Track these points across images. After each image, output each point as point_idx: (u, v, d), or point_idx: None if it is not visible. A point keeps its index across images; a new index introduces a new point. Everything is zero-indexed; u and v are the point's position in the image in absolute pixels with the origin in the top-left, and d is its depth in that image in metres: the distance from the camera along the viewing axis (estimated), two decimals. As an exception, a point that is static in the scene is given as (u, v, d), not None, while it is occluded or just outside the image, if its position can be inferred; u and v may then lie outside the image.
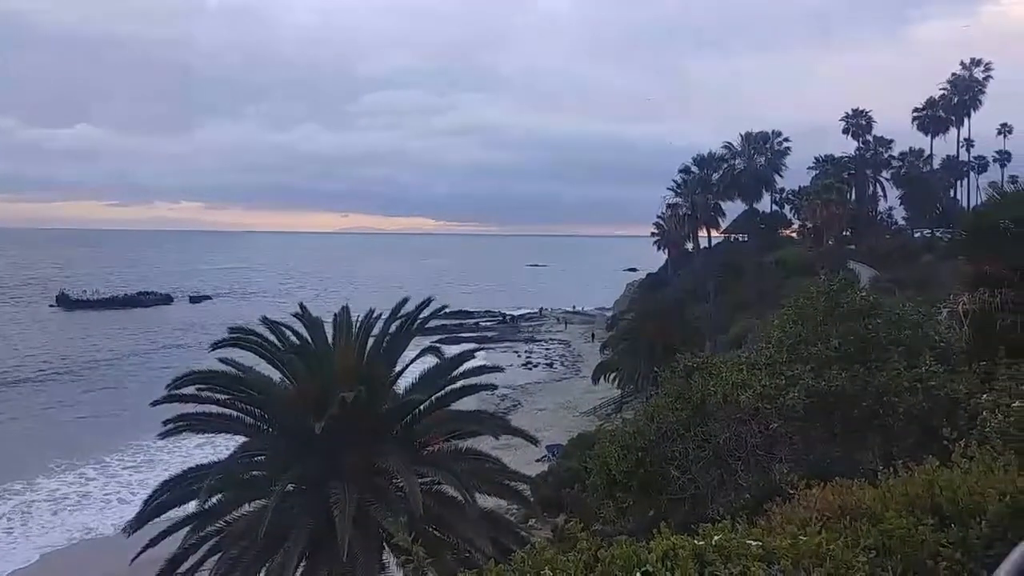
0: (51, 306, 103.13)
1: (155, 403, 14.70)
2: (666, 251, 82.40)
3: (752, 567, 3.38)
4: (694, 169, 73.13)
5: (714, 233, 76.21)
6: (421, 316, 16.93)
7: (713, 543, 3.60)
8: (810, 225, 67.23)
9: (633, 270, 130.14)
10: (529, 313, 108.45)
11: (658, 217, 79.94)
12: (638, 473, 10.18)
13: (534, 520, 19.73)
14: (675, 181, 74.09)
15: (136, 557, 14.43)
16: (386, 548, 14.22)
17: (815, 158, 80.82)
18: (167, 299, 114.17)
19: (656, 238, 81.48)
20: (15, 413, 47.62)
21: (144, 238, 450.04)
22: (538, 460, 32.39)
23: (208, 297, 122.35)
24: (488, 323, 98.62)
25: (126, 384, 55.98)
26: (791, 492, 5.44)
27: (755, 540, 3.74)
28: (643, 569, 3.39)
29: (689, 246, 78.81)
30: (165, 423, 14.44)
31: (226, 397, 15.00)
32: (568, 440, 34.01)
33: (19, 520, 31.13)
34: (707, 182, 71.72)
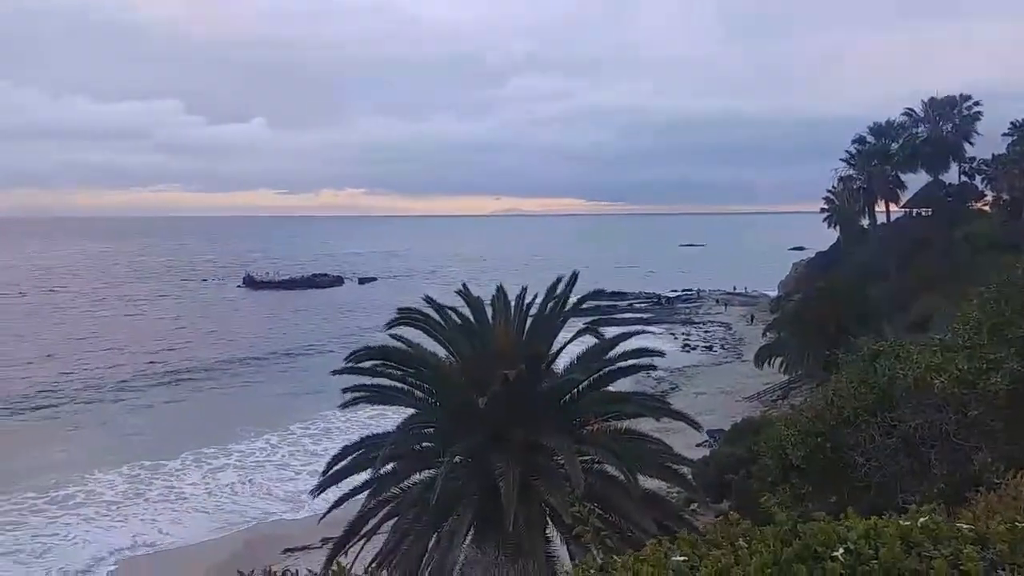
0: (238, 286, 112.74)
1: (335, 372, 15.70)
2: (837, 228, 77.40)
3: (964, 549, 3.15)
4: (870, 139, 68.13)
5: (892, 208, 70.78)
6: (576, 297, 16.97)
7: (919, 524, 3.39)
8: (1006, 197, 60.81)
9: (800, 249, 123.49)
10: (685, 294, 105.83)
11: (828, 192, 75.30)
12: (818, 459, 9.67)
13: (696, 505, 19.29)
14: (848, 152, 69.40)
15: (323, 516, 15.53)
16: (550, 523, 14.45)
17: (1011, 123, 72.79)
18: (339, 281, 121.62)
19: (826, 214, 76.76)
20: (218, 385, 52.37)
21: (313, 224, 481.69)
22: (698, 445, 31.63)
23: (374, 279, 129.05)
24: (643, 304, 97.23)
25: (307, 359, 60.19)
26: (996, 482, 4.98)
27: (966, 524, 3.51)
28: (845, 546, 3.23)
29: (864, 222, 73.62)
30: (344, 391, 15.36)
31: (398, 371, 15.73)
32: (731, 425, 32.97)
33: (211, 481, 34.26)
34: (885, 152, 66.56)
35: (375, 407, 22.83)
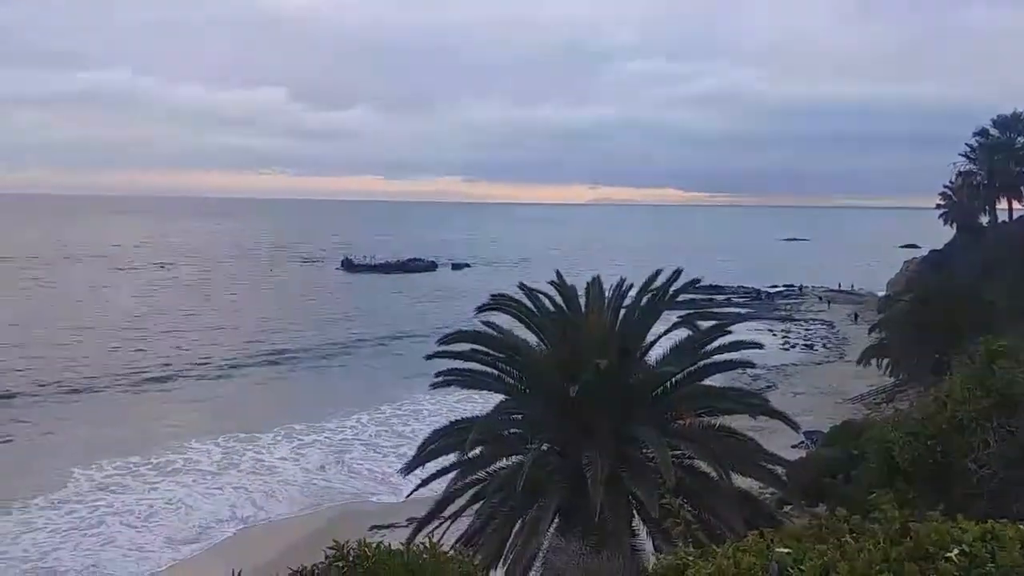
0: (336, 269, 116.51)
1: (428, 357, 15.98)
2: (954, 225, 73.06)
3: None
4: (993, 132, 63.84)
5: (1016, 205, 66.17)
6: (672, 288, 16.64)
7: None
8: None
9: (913, 247, 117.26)
10: (787, 290, 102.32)
11: (945, 187, 71.09)
12: (926, 463, 9.15)
13: (790, 507, 18.66)
14: (968, 146, 65.27)
15: (410, 494, 15.89)
16: (636, 516, 14.29)
17: None
18: (432, 266, 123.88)
19: (942, 211, 72.51)
20: (314, 366, 54.19)
21: (411, 209, 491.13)
22: (794, 446, 30.59)
23: (468, 264, 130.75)
24: (741, 299, 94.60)
25: (399, 342, 61.63)
26: None
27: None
28: (960, 547, 3.05)
29: (984, 219, 69.17)
30: (437, 375, 15.62)
31: (489, 357, 15.87)
32: (830, 427, 31.71)
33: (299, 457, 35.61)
34: (1010, 146, 62.26)
35: (463, 391, 23.13)
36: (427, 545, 5.35)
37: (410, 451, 30.84)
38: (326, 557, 6.00)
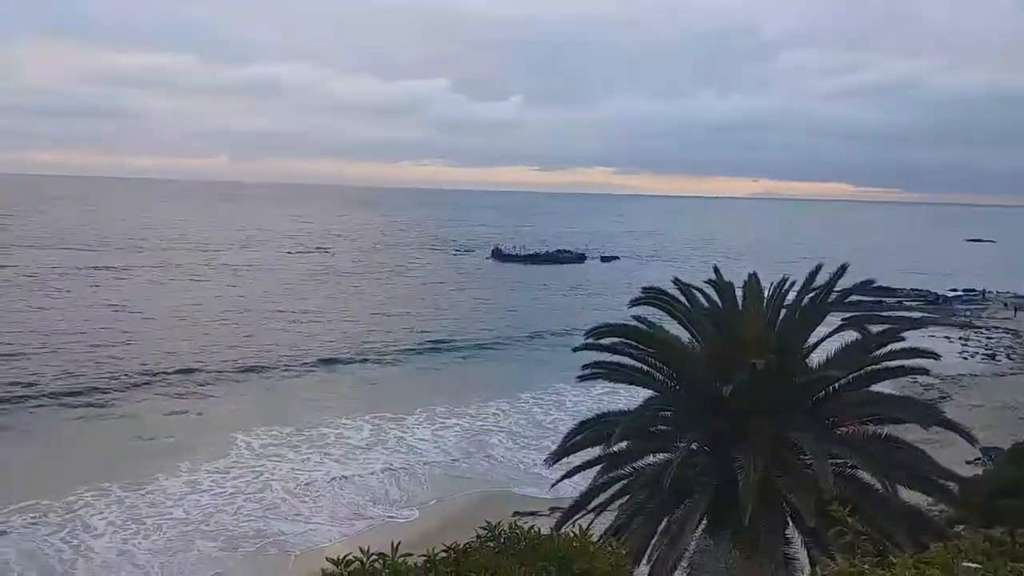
0: (486, 258, 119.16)
1: (575, 349, 16.02)
2: None
3: None
4: None
5: None
6: (838, 288, 15.71)
7: None
8: None
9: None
10: (967, 295, 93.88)
11: None
12: None
13: (963, 527, 17.16)
14: None
15: (555, 484, 16.02)
16: (790, 524, 13.67)
17: None
18: (581, 258, 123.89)
19: None
20: (463, 355, 55.48)
21: (562, 200, 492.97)
22: (969, 462, 28.14)
23: (617, 257, 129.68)
24: (914, 303, 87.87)
25: (544, 333, 62.12)
26: None
27: None
28: None
29: None
30: (584, 367, 15.62)
31: (638, 351, 15.67)
32: (1012, 444, 28.85)
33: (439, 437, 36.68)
34: None
35: (608, 385, 22.96)
36: (577, 533, 5.36)
37: (550, 442, 31.16)
38: (478, 536, 6.16)
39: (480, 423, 38.27)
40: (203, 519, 26.20)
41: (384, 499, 29.03)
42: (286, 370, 46.31)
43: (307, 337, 55.23)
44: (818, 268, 16.08)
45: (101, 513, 25.83)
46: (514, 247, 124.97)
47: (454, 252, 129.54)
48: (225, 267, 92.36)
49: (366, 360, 49.50)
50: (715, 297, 15.87)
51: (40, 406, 36.62)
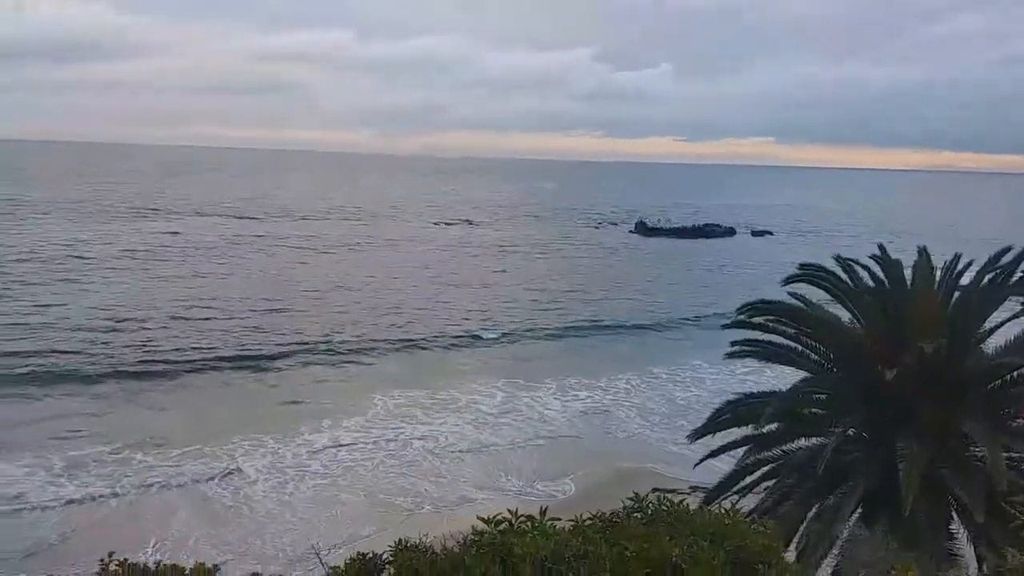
0: (630, 232, 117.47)
1: (725, 326, 15.62)
2: None
3: None
4: None
5: None
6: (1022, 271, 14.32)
7: None
8: None
9: None
10: None
11: None
12: None
13: None
14: None
15: (699, 463, 15.79)
16: (955, 518, 12.79)
17: None
18: (730, 232, 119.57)
19: None
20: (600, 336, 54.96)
21: (711, 173, 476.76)
22: None
23: (770, 232, 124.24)
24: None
25: (683, 307, 60.67)
26: None
27: None
28: None
29: None
30: (733, 344, 15.20)
31: (792, 330, 15.06)
32: None
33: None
34: None
35: (751, 364, 22.12)
36: (727, 510, 5.30)
37: (684, 421, 30.56)
38: (624, 507, 6.21)
39: (611, 397, 38.11)
40: (341, 473, 27.78)
41: (518, 469, 29.50)
42: (430, 341, 47.71)
43: (449, 309, 56.53)
44: (1006, 249, 14.70)
45: (255, 462, 28.01)
46: (659, 220, 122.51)
47: (596, 225, 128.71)
48: (375, 238, 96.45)
49: (504, 332, 50.21)
50: (880, 275, 14.91)
51: (208, 369, 39.50)
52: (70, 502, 24.16)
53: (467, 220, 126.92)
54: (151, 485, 25.69)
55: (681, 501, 5.78)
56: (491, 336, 49.03)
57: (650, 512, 6.04)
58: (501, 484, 27.86)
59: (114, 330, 44.18)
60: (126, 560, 5.70)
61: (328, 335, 46.18)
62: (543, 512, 7.00)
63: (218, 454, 28.25)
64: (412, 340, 47.22)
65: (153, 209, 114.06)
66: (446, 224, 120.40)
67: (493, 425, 33.49)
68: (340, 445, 30.03)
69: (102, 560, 5.85)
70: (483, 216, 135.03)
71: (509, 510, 6.96)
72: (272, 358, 41.47)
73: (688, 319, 56.55)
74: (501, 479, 28.35)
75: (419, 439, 31.25)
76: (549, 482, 28.24)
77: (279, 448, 29.18)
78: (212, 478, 26.44)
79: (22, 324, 44.36)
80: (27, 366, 36.92)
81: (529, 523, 6.87)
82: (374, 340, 46.26)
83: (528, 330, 51.39)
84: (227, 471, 26.94)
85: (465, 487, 27.38)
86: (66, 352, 39.37)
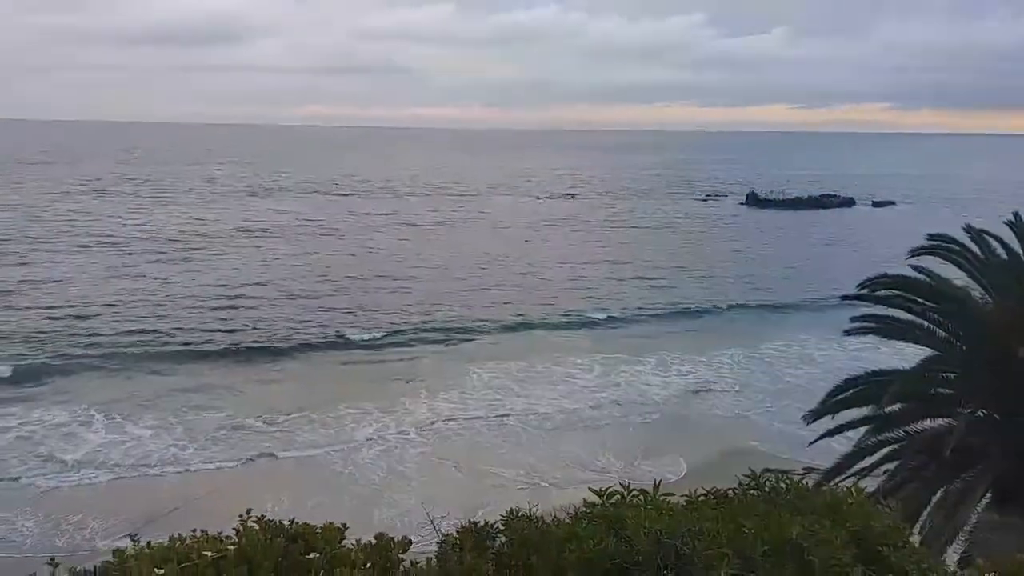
0: (740, 204, 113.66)
1: (844, 298, 15.05)
2: None
3: None
4: None
5: None
6: None
7: None
8: None
9: None
10: None
11: None
12: None
13: None
14: None
15: (813, 442, 15.33)
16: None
17: None
18: (849, 202, 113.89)
19: None
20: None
21: (828, 140, 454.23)
22: None
23: (892, 203, 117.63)
24: None
25: (803, 282, 58.38)
26: None
27: None
28: None
29: None
30: (853, 320, 14.62)
31: (917, 306, 14.32)
32: None
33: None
34: None
35: (865, 340, 21.08)
36: (849, 487, 5.16)
37: (792, 400, 29.49)
38: (740, 484, 6.13)
39: (715, 374, 37.30)
40: (443, 444, 28.53)
41: (619, 446, 29.28)
42: (534, 319, 47.26)
43: (553, 286, 56.18)
44: None
45: (362, 428, 29.23)
46: (771, 192, 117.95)
47: (705, 198, 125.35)
48: (480, 215, 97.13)
49: (608, 313, 49.55)
50: (1017, 248, 13.94)
51: (315, 343, 40.95)
52: (188, 469, 25.86)
53: (570, 194, 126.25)
54: (269, 454, 27.17)
55: (801, 479, 5.66)
56: (597, 315, 48.44)
57: (767, 490, 5.94)
58: (603, 460, 27.81)
59: (230, 307, 46.53)
60: (263, 516, 6.08)
61: (430, 312, 47.15)
62: (656, 486, 7.02)
63: (328, 421, 29.64)
64: (515, 318, 47.46)
65: (267, 189, 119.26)
66: (551, 198, 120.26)
67: (594, 401, 33.46)
68: (444, 418, 30.81)
69: (241, 516, 6.26)
70: (586, 189, 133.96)
71: (621, 483, 7.01)
72: (375, 334, 42.51)
73: (801, 295, 54.43)
74: (601, 455, 28.26)
75: (518, 413, 31.68)
76: (654, 460, 27.92)
77: (384, 418, 30.32)
78: (325, 447, 27.74)
79: (149, 301, 47.39)
80: (160, 341, 39.53)
81: (642, 497, 6.90)
82: (479, 319, 46.76)
83: (636, 308, 50.71)
84: (338, 442, 28.19)
85: (567, 462, 27.51)
86: (186, 329, 41.77)
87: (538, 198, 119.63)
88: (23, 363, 35.06)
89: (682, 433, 30.39)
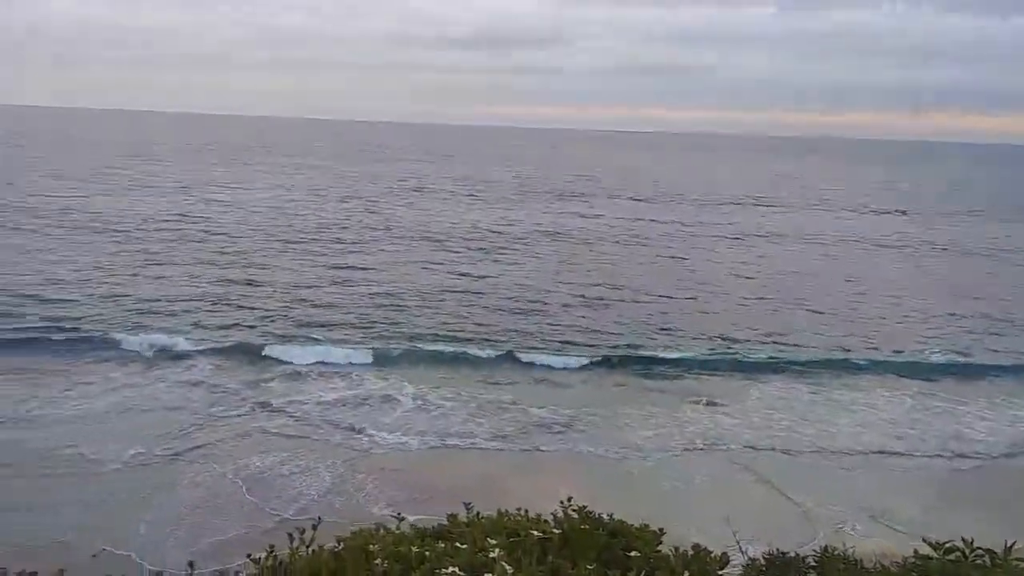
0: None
1: None
2: None
3: None
4: None
5: None
6: None
7: None
8: None
9: None
10: None
11: None
12: None
13: None
14: None
15: None
16: None
17: None
18: None
19: None
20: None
21: None
22: None
23: None
24: None
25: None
26: None
27: None
28: None
29: None
30: None
31: None
32: None
33: None
34: None
35: None
36: None
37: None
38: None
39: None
40: (729, 461, 27.31)
41: (927, 491, 25.80)
42: (863, 360, 40.70)
43: (873, 320, 48.58)
44: None
45: (647, 433, 29.18)
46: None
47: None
48: (790, 229, 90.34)
49: (945, 353, 41.59)
50: None
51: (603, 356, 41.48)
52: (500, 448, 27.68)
53: (899, 210, 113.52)
54: (553, 449, 27.87)
55: None
56: (935, 358, 40.71)
57: None
58: (902, 509, 24.40)
59: (517, 312, 46.08)
60: (584, 507, 6.41)
61: (724, 333, 44.67)
62: (1008, 548, 6.25)
63: (613, 424, 30.00)
64: (813, 357, 40.93)
65: (572, 194, 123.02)
66: (873, 212, 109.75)
67: (897, 435, 30.18)
68: (733, 438, 29.66)
69: (562, 502, 6.61)
70: (915, 205, 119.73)
71: (963, 538, 6.33)
72: (685, 354, 39.95)
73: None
74: (901, 503, 24.92)
75: (807, 436, 29.60)
76: (968, 514, 24.14)
77: (671, 428, 29.92)
78: (608, 446, 28.03)
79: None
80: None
81: (988, 558, 6.18)
82: (776, 344, 42.61)
83: (975, 350, 42.26)
84: (624, 445, 28.39)
85: (859, 502, 24.74)
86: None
87: (861, 213, 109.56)
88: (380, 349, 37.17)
89: (1010, 488, 26.33)
